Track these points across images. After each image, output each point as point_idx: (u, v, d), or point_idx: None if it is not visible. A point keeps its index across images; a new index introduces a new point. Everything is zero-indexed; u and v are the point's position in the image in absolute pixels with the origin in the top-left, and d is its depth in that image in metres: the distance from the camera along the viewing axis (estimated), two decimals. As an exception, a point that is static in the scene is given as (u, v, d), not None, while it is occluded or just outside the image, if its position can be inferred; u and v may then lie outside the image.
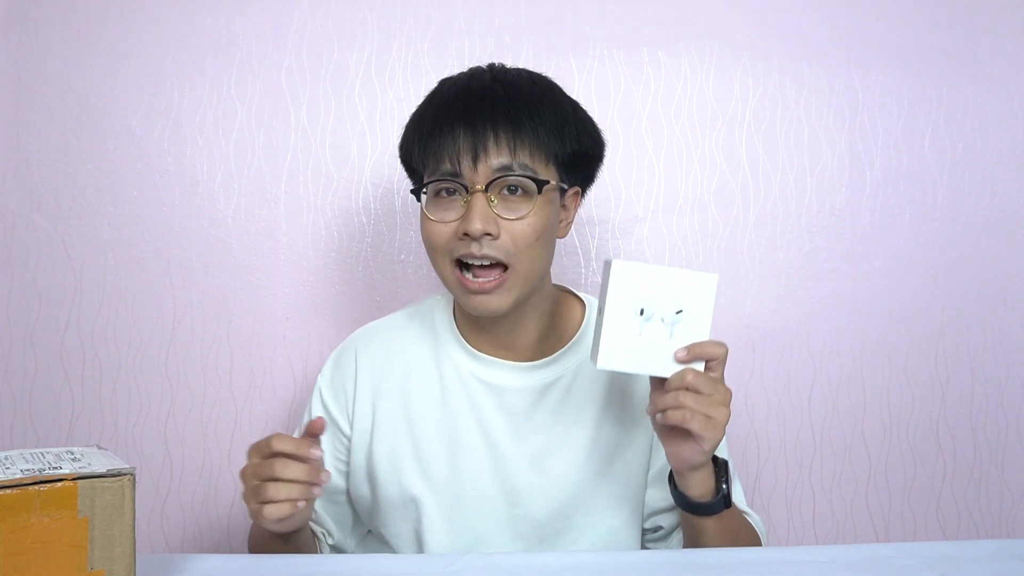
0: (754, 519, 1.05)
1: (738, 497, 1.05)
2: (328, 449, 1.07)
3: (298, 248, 1.38)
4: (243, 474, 0.89)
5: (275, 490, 0.86)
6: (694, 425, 0.86)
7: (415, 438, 1.05)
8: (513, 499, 1.03)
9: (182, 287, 1.38)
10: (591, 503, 1.04)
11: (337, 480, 1.08)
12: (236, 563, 0.85)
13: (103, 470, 0.68)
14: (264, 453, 0.88)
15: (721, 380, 0.89)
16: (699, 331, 0.88)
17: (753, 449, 1.40)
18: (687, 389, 0.86)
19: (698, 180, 1.40)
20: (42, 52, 1.38)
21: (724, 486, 0.93)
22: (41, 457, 0.72)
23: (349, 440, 1.08)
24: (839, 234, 1.41)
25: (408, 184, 1.34)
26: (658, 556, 0.92)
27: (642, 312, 0.87)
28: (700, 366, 0.88)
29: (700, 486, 0.93)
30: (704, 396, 0.86)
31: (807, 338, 1.41)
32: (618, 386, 1.06)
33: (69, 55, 1.38)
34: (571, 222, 1.04)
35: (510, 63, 1.23)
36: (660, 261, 1.40)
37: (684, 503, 0.95)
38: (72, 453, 0.75)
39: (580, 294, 1.12)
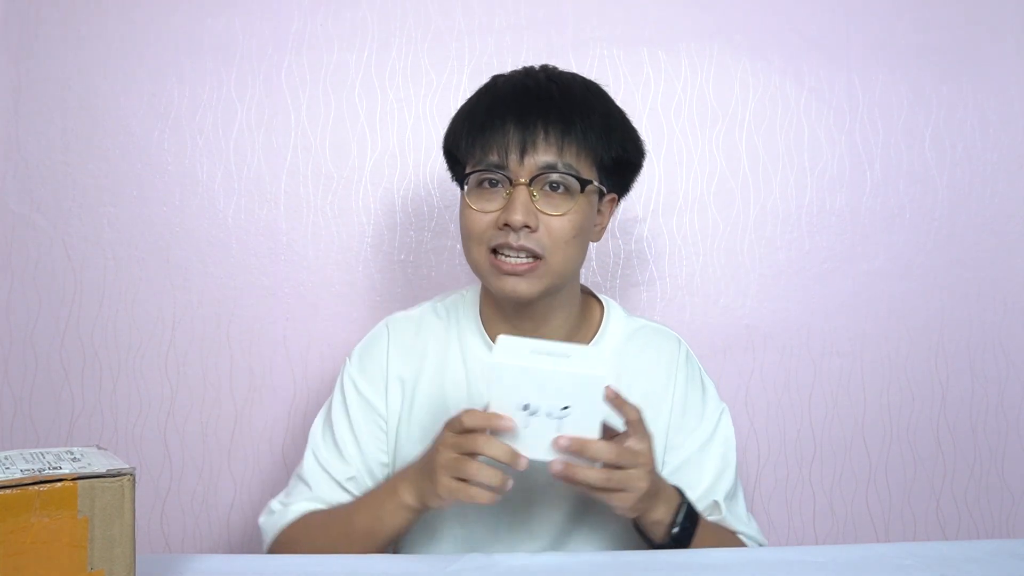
0: (750, 535, 1.05)
1: (738, 513, 1.04)
2: (367, 431, 1.06)
3: (298, 248, 1.38)
4: (438, 454, 0.87)
5: (477, 470, 0.84)
6: (597, 496, 0.87)
7: (439, 431, 1.04)
8: (531, 498, 1.03)
9: (182, 287, 1.38)
10: (604, 504, 1.04)
11: (374, 464, 1.06)
12: (236, 563, 0.85)
13: (103, 470, 0.68)
14: (457, 429, 0.87)
15: (633, 465, 0.88)
16: (589, 424, 0.84)
17: (753, 449, 1.40)
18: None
19: (698, 180, 1.40)
20: (42, 52, 1.38)
21: (675, 530, 0.93)
22: (41, 457, 0.71)
23: (386, 422, 1.06)
24: (839, 234, 1.41)
25: (408, 182, 1.33)
26: (658, 556, 0.91)
27: (526, 407, 0.84)
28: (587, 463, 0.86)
29: (649, 527, 0.94)
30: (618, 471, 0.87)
31: (807, 338, 1.41)
32: (633, 389, 1.06)
33: (69, 55, 1.38)
34: (605, 228, 1.06)
35: (510, 63, 1.24)
36: (659, 261, 1.40)
37: (639, 533, 0.97)
38: (72, 453, 0.75)
39: (600, 296, 1.13)
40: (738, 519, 1.04)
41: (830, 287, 1.41)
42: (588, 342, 1.07)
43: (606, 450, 0.86)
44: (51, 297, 1.38)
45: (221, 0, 1.38)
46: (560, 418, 0.84)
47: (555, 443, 0.84)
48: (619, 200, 1.07)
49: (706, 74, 1.40)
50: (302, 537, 1.01)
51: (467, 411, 0.87)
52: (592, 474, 0.86)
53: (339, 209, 1.39)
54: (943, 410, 1.42)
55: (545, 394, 0.83)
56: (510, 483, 0.86)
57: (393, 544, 1.09)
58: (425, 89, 1.39)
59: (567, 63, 1.37)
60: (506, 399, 0.84)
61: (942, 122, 1.42)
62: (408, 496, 0.93)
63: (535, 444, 0.85)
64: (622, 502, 0.88)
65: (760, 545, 1.05)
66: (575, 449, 0.85)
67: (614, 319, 1.09)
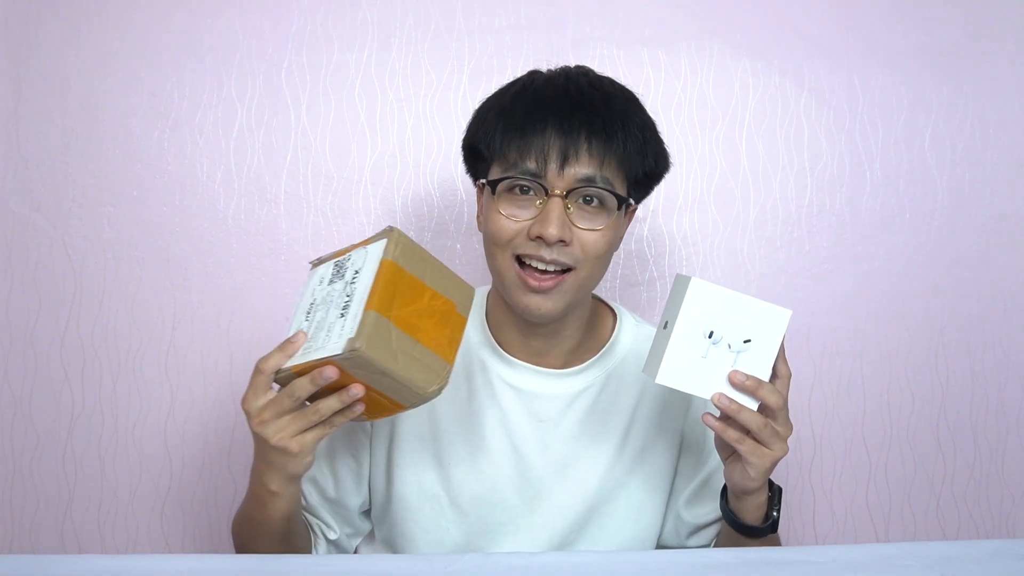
0: None
1: None
2: (344, 445, 1.06)
3: (298, 248, 1.38)
4: (266, 433, 0.84)
5: (314, 412, 0.82)
6: (743, 447, 0.87)
7: (437, 439, 1.04)
8: (534, 506, 1.03)
9: (182, 287, 1.38)
10: (609, 514, 1.04)
11: (346, 481, 1.05)
12: (236, 563, 0.85)
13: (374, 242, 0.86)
14: (267, 385, 0.85)
15: (783, 423, 0.90)
16: (763, 364, 0.88)
17: (753, 449, 1.40)
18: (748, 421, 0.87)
19: (698, 180, 1.40)
20: (42, 52, 1.38)
21: (775, 513, 0.94)
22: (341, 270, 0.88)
23: (370, 438, 1.06)
24: (839, 234, 1.41)
25: (408, 181, 1.32)
26: (658, 556, 0.92)
27: (711, 335, 0.87)
28: (751, 403, 0.88)
29: (752, 511, 0.94)
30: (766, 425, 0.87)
31: (807, 338, 1.41)
32: (645, 398, 1.06)
33: (69, 55, 1.38)
34: (623, 237, 1.04)
35: (510, 63, 1.24)
36: (659, 261, 1.40)
37: (732, 521, 0.96)
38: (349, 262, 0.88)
39: (611, 303, 1.12)
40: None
41: (830, 287, 1.41)
42: (598, 351, 1.06)
43: (776, 395, 0.88)
44: (51, 297, 1.38)
45: (221, 0, 1.38)
46: (738, 352, 0.87)
47: (731, 376, 0.87)
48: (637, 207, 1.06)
49: (706, 74, 1.40)
50: (235, 527, 1.03)
51: (259, 362, 0.85)
52: (754, 419, 0.87)
53: (339, 209, 1.39)
54: (943, 410, 1.42)
55: (732, 323, 0.86)
56: (358, 407, 0.83)
57: (389, 547, 1.09)
58: (425, 89, 1.39)
59: (567, 63, 1.37)
60: (695, 321, 0.86)
61: (942, 122, 1.42)
62: (273, 483, 0.90)
63: (705, 376, 0.87)
64: (760, 461, 0.88)
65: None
66: (749, 386, 0.87)
67: (626, 328, 1.08)
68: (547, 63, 1.05)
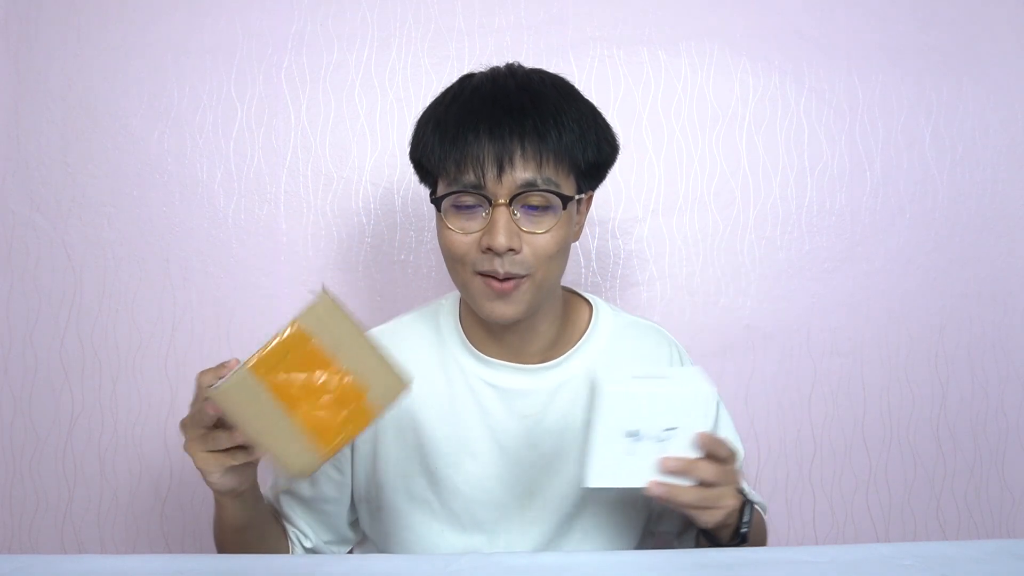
0: (760, 503, 1.05)
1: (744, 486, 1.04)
2: None
3: (298, 248, 1.38)
4: (184, 431, 0.90)
5: (213, 442, 0.87)
6: (691, 512, 0.87)
7: (422, 445, 1.04)
8: (526, 503, 1.03)
9: (182, 287, 1.38)
10: (600, 502, 1.04)
11: (324, 488, 1.06)
12: (237, 563, 0.85)
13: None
14: (201, 398, 0.87)
15: (730, 475, 0.88)
16: (690, 447, 0.85)
17: (753, 449, 1.40)
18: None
19: (698, 180, 1.40)
20: (42, 52, 1.38)
21: (744, 529, 0.93)
22: None
23: (351, 447, 1.06)
24: (839, 234, 1.41)
25: (408, 182, 1.32)
26: (657, 556, 0.91)
27: (632, 434, 0.84)
28: (688, 482, 0.86)
29: (720, 532, 0.94)
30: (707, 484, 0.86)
31: (807, 338, 1.41)
32: None
33: (69, 55, 1.38)
34: (583, 225, 1.04)
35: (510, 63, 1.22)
36: (660, 261, 1.40)
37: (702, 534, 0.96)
38: None
39: (586, 295, 1.12)
40: (748, 492, 1.04)
41: (830, 287, 1.41)
42: (576, 343, 1.06)
43: (711, 470, 0.86)
44: (51, 297, 1.38)
45: (221, 0, 1.38)
46: (664, 440, 0.84)
47: (663, 464, 0.84)
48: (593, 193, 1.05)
49: (706, 74, 1.40)
50: (213, 531, 1.03)
51: (200, 374, 0.86)
52: (690, 494, 0.86)
53: (339, 209, 1.39)
54: (943, 410, 1.42)
55: (652, 417, 0.83)
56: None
57: (376, 546, 1.09)
58: (425, 89, 1.39)
59: (567, 63, 1.38)
60: (612, 425, 0.84)
61: (942, 122, 1.42)
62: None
63: (635, 470, 0.84)
64: (712, 518, 0.88)
65: (764, 509, 1.06)
66: (682, 469, 0.85)
67: (603, 318, 1.08)
68: (547, 63, 1.05)
